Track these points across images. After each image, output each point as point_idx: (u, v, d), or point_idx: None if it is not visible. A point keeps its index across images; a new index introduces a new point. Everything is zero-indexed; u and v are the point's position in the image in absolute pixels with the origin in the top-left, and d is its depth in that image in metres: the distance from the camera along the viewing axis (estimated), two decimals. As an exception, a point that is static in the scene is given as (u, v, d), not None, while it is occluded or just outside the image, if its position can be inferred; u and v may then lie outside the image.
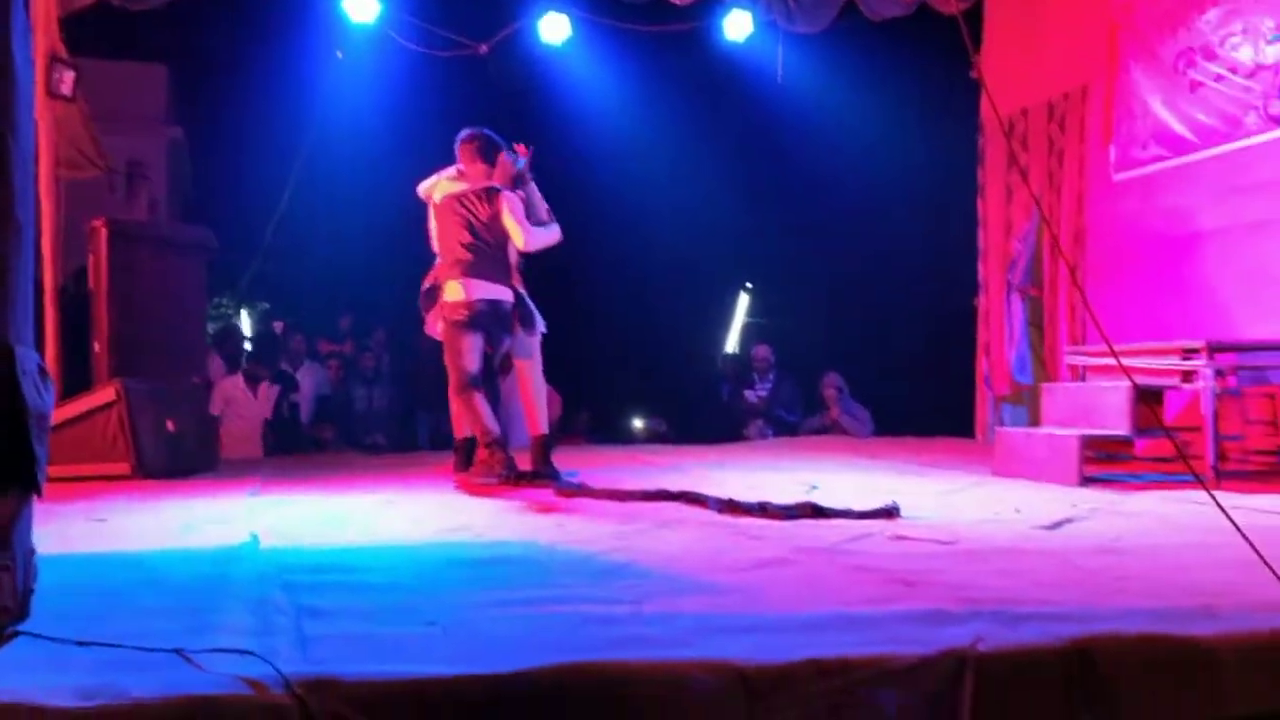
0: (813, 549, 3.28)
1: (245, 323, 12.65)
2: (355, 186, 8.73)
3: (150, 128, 12.34)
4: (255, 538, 3.53)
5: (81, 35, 7.19)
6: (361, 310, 10.28)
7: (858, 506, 4.13)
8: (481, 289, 5.50)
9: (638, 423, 10.77)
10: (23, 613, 2.24)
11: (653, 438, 9.92)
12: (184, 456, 6.18)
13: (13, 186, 2.18)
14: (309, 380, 9.40)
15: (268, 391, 8.79)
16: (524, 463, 5.55)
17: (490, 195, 5.61)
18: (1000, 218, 8.39)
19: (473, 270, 5.49)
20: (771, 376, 9.95)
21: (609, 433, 10.58)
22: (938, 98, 8.81)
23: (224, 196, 11.66)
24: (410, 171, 7.30)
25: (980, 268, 8.58)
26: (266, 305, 12.73)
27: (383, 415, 9.45)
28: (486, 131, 5.78)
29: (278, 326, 10.58)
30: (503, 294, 5.58)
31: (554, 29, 8.09)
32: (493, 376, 6.02)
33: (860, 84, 8.77)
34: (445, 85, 8.18)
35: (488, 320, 5.51)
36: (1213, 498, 2.82)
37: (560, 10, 8.01)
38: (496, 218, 5.57)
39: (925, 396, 9.09)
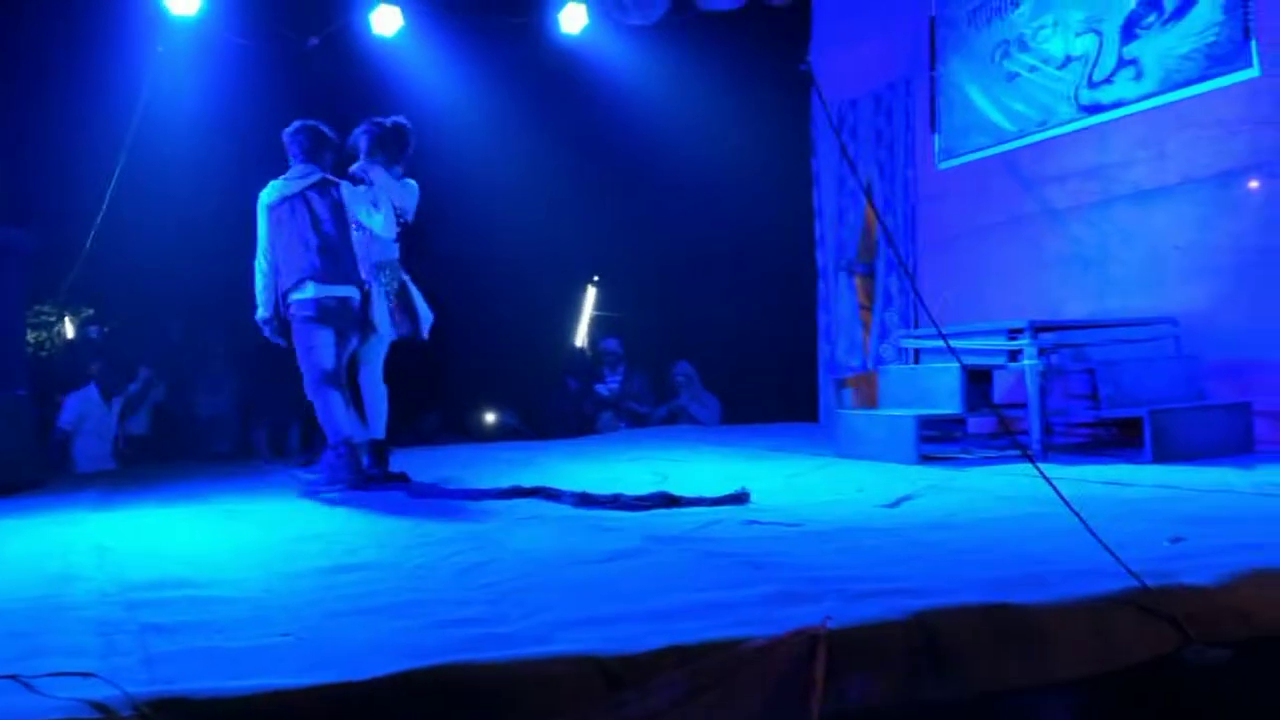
0: (666, 538, 3.33)
1: (68, 330, 12.04)
2: (180, 185, 8.38)
3: (-45, 126, 11.65)
4: (92, 555, 3.38)
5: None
6: (192, 315, 9.90)
7: (709, 494, 4.21)
8: (330, 287, 5.32)
9: (489, 417, 10.68)
10: None
11: (506, 433, 9.87)
12: (5, 471, 5.85)
13: None
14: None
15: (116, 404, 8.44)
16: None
17: (327, 186, 5.45)
18: (834, 206, 8.64)
19: (322, 269, 5.30)
20: (621, 369, 10.02)
21: (460, 431, 10.47)
22: (770, 90, 8.99)
23: (32, 197, 11.06)
24: (238, 168, 7.06)
25: (818, 255, 8.82)
26: (90, 311, 12.15)
27: (227, 422, 9.15)
28: (314, 123, 5.60)
29: (92, 331, 10.11)
30: (351, 292, 5.42)
31: (386, 21, 7.95)
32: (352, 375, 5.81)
33: (694, 77, 8.89)
34: (274, 80, 7.94)
35: (337, 317, 5.35)
36: (1039, 470, 2.98)
37: (392, 3, 7.87)
38: (340, 209, 5.42)
39: (769, 383, 9.30)
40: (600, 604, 2.43)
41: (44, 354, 10.31)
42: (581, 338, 13.21)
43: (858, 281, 8.35)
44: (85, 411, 8.23)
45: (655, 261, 10.15)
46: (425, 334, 5.75)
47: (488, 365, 10.55)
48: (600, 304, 13.08)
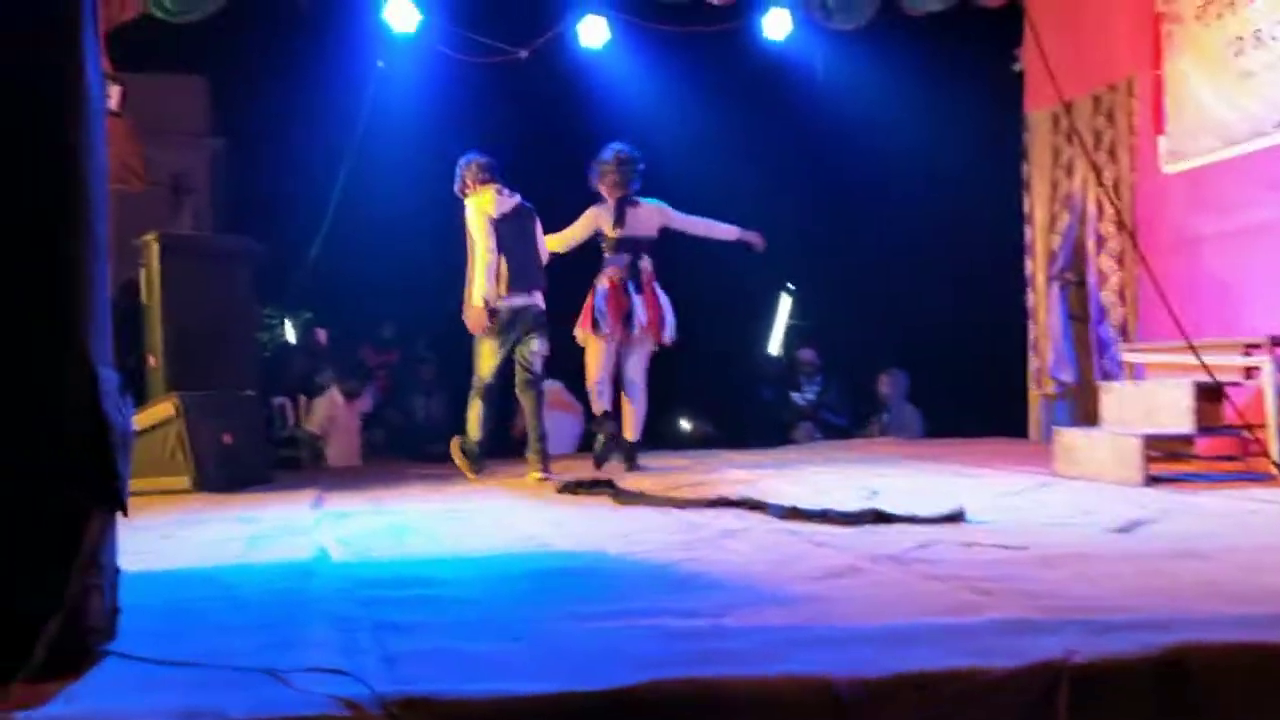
0: (882, 556, 3.24)
1: (290, 333, 12.72)
2: (398, 195, 8.76)
3: (193, 140, 12.49)
4: (324, 551, 3.55)
5: (124, 49, 7.24)
6: (404, 319, 10.31)
7: (921, 511, 4.09)
8: (512, 298, 6.23)
9: (685, 424, 10.72)
10: (112, 633, 2.26)
11: (701, 440, 9.86)
12: (241, 469, 6.22)
13: (90, 203, 2.19)
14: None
15: (362, 405, 8.90)
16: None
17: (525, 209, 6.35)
18: (1046, 213, 8.30)
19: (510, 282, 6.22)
20: (818, 379, 9.90)
21: (653, 437, 10.55)
22: (980, 93, 8.73)
23: (265, 207, 11.74)
24: (450, 178, 7.30)
25: (1028, 263, 8.49)
26: (310, 314, 12.81)
27: (440, 424, 9.48)
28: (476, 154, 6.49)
29: (321, 335, 10.63)
30: (531, 300, 6.29)
31: (593, 32, 8.08)
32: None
33: (901, 80, 8.70)
34: (487, 92, 8.20)
35: (515, 324, 6.25)
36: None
37: (599, 13, 8.00)
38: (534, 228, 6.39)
39: (973, 396, 9.00)
40: (824, 623, 2.38)
41: (266, 355, 10.94)
42: (776, 346, 13.12)
43: (1070, 292, 7.99)
44: (332, 414, 8.72)
45: (855, 270, 9.98)
46: (667, 340, 6.68)
47: (683, 372, 10.57)
48: (796, 313, 12.96)
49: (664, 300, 6.64)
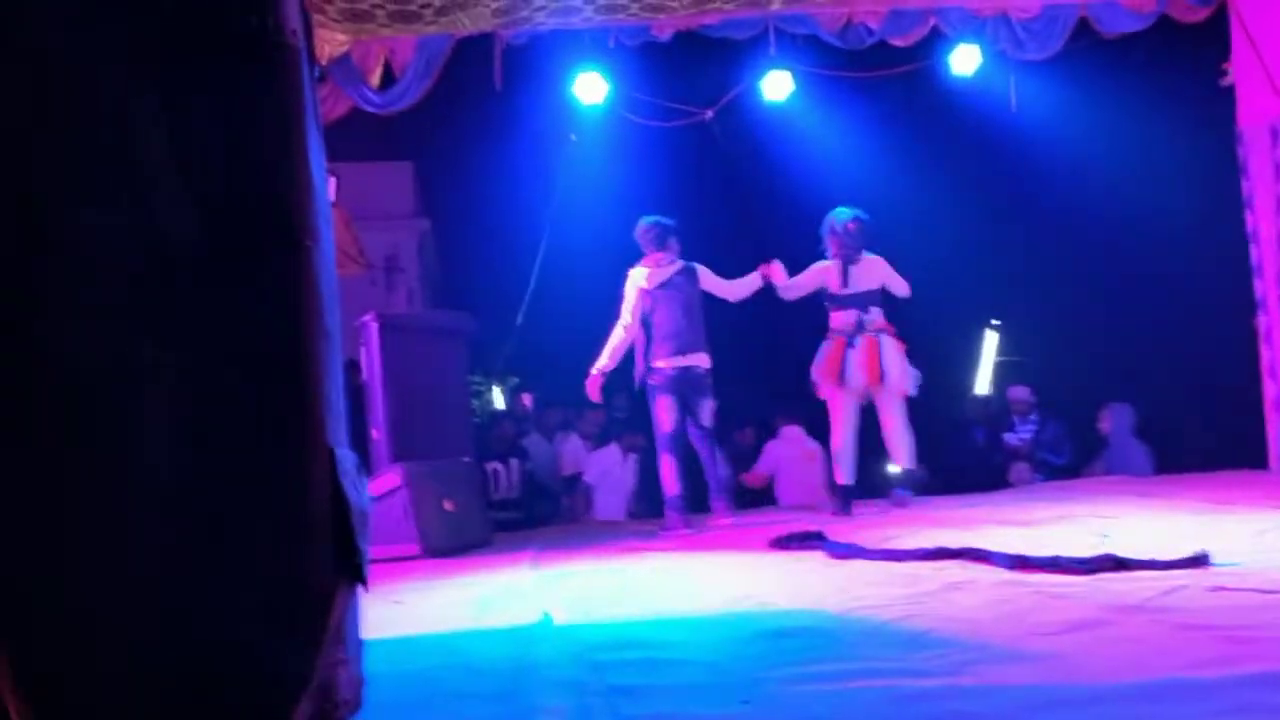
0: (1124, 607, 3.07)
1: (498, 398, 13.14)
2: (593, 260, 9.00)
3: (402, 222, 13.20)
4: (548, 616, 3.61)
5: (334, 142, 7.71)
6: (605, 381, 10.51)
7: (1160, 555, 3.85)
8: (678, 359, 6.61)
9: (894, 469, 10.47)
10: (358, 704, 2.35)
11: (914, 485, 9.58)
12: (463, 534, 6.43)
13: (321, 295, 2.32)
14: (564, 450, 9.69)
15: (634, 461, 9.14)
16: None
17: (688, 271, 6.71)
18: (1273, 230, 7.79)
19: (675, 343, 6.62)
20: (1034, 418, 9.50)
21: (861, 483, 10.34)
22: (1187, 111, 8.31)
23: (469, 280, 12.22)
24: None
25: (1257, 285, 7.96)
26: (516, 380, 13.22)
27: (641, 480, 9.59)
28: (658, 218, 6.86)
29: (526, 400, 10.93)
30: (696, 361, 6.64)
31: (777, 87, 8.11)
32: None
33: (1101, 104, 8.39)
34: (675, 155, 8.35)
35: (680, 384, 6.61)
36: None
37: (782, 68, 8.04)
38: (696, 291, 6.73)
39: (1206, 428, 8.46)
40: (1068, 681, 2.27)
41: (476, 420, 11.33)
42: (985, 386, 12.70)
43: (1310, 310, 7.45)
44: (607, 468, 8.98)
45: (1068, 302, 9.59)
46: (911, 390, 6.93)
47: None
48: (1004, 349, 12.52)
49: (887, 351, 6.82)
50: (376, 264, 11.47)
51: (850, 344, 6.77)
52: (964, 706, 2.12)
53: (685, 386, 6.65)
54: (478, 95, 8.25)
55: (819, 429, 7.59)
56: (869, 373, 6.73)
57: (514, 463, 9.27)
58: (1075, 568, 3.81)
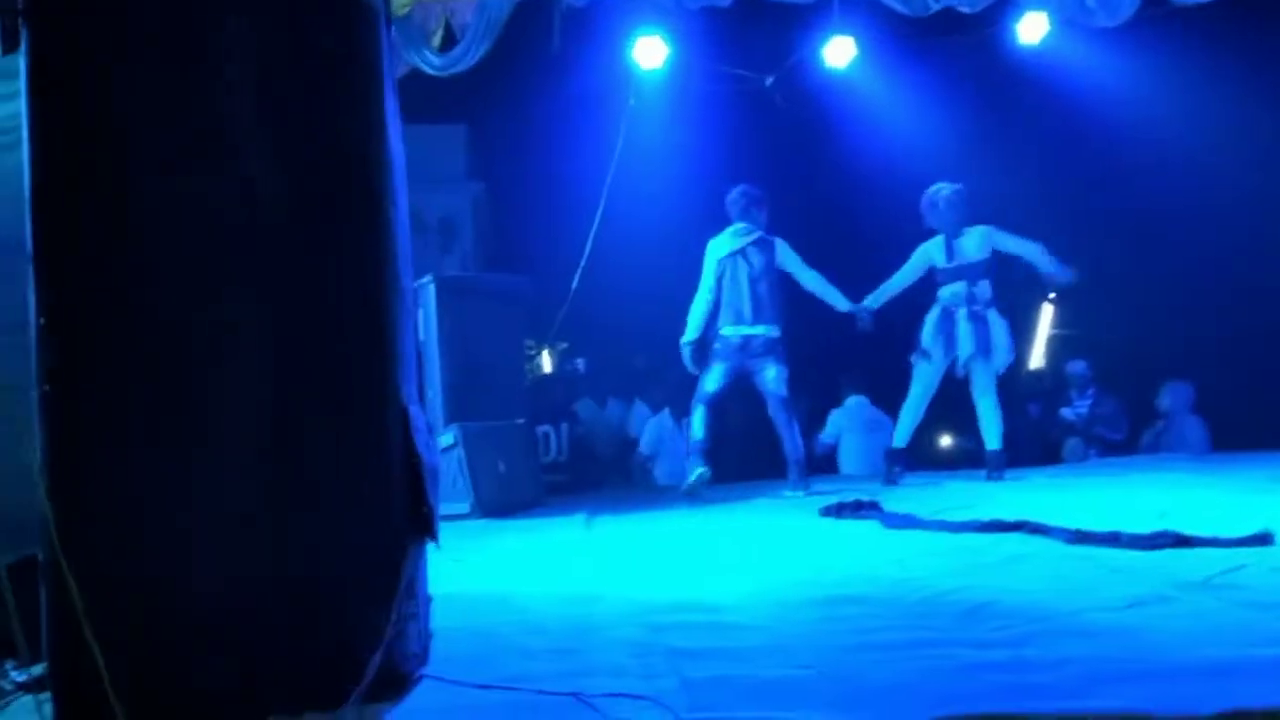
0: (1187, 584, 3.04)
1: (546, 362, 13.19)
2: (650, 227, 8.98)
3: (456, 185, 13.22)
4: (605, 574, 3.66)
5: (393, 104, 7.74)
6: (657, 348, 10.50)
7: (1223, 533, 3.81)
8: (742, 328, 6.66)
9: (945, 440, 10.40)
10: (425, 657, 2.41)
11: (963, 456, 9.53)
12: (515, 494, 6.50)
13: (397, 255, 2.35)
14: (614, 414, 9.73)
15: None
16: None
17: (764, 243, 6.68)
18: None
19: (741, 313, 6.66)
20: (1090, 392, 9.39)
21: (912, 454, 10.27)
22: (1264, 78, 8.11)
23: (523, 245, 12.24)
24: (703, 207, 7.43)
25: (1328, 261, 7.81)
26: (566, 345, 13.25)
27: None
28: (748, 187, 6.83)
29: (579, 365, 10.97)
30: (762, 331, 6.65)
31: (839, 53, 8.00)
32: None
33: (1172, 76, 8.19)
34: (736, 120, 8.29)
35: (738, 352, 6.68)
36: None
37: (845, 34, 7.93)
38: (772, 262, 6.67)
39: (1268, 406, 8.31)
40: (1133, 656, 2.26)
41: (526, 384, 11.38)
42: (1039, 359, 12.56)
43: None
44: (661, 435, 9.03)
45: (1129, 276, 9.44)
46: (1000, 367, 7.02)
47: (942, 389, 10.29)
48: (1060, 323, 12.37)
49: (994, 325, 6.91)
50: (432, 226, 11.53)
51: (958, 316, 6.84)
52: (1029, 679, 2.12)
53: (746, 355, 6.70)
54: (535, 58, 8.22)
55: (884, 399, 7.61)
56: (976, 346, 6.81)
57: (564, 426, 9.33)
58: (1136, 543, 3.78)
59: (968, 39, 8.01)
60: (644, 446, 9.03)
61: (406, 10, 7.44)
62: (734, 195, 6.83)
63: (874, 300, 7.00)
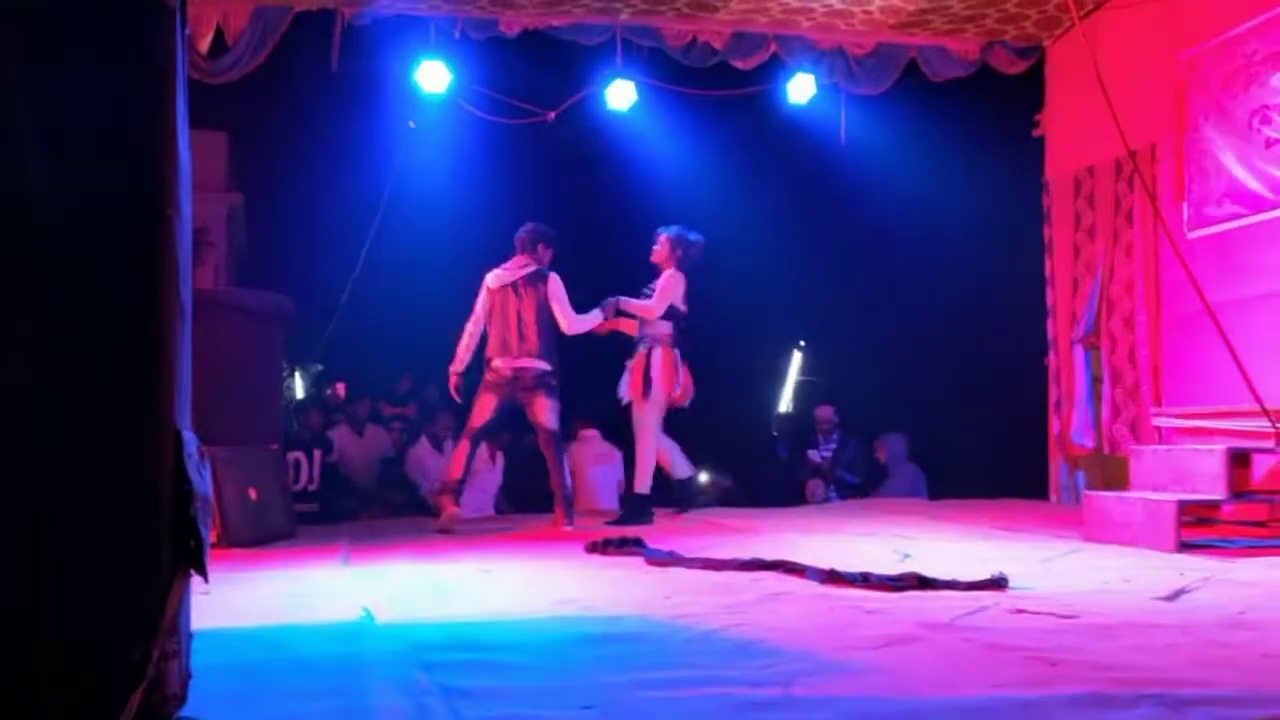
0: (935, 624, 3.23)
1: (298, 386, 12.73)
2: (422, 251, 8.84)
3: (212, 195, 12.60)
4: (369, 611, 3.53)
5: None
6: (422, 373, 10.32)
7: (961, 576, 4.07)
8: (510, 360, 6.75)
9: (704, 477, 10.70)
10: (184, 698, 2.24)
11: (719, 495, 9.82)
12: (267, 524, 6.20)
13: (178, 268, 2.21)
14: (373, 442, 9.47)
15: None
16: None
17: (536, 279, 6.78)
18: (1068, 276, 8.36)
19: (506, 345, 6.76)
20: (835, 437, 9.89)
21: (665, 492, 10.48)
22: (1001, 156, 8.85)
23: (282, 261, 11.79)
24: (478, 235, 7.41)
25: (1049, 325, 8.54)
26: (320, 367, 12.82)
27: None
28: (535, 225, 6.92)
29: (339, 388, 10.64)
30: (528, 364, 6.74)
31: (620, 96, 8.19)
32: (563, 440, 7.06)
33: (923, 143, 8.81)
34: (514, 153, 8.30)
35: (507, 385, 6.76)
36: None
37: (626, 78, 8.12)
38: (544, 298, 6.78)
39: (992, 457, 9.00)
40: (898, 696, 2.37)
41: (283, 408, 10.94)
42: (787, 403, 13.13)
43: (1093, 356, 8.03)
44: (423, 461, 8.76)
45: (875, 328, 10.04)
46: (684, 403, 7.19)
47: (697, 425, 10.59)
48: (808, 369, 12.99)
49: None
50: (184, 235, 10.94)
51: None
52: (803, 717, 2.19)
53: (516, 388, 6.73)
54: (311, 72, 7.98)
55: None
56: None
57: (316, 453, 9.00)
58: (884, 584, 3.99)
59: (742, 94, 8.35)
60: (412, 472, 8.88)
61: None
62: (523, 230, 6.88)
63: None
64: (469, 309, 6.92)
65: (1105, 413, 7.80)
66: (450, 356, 6.94)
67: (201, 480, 2.25)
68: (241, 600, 3.93)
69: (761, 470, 10.49)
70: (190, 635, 2.32)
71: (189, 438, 2.22)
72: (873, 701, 2.29)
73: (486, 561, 5.01)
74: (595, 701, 2.33)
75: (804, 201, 9.47)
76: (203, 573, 2.23)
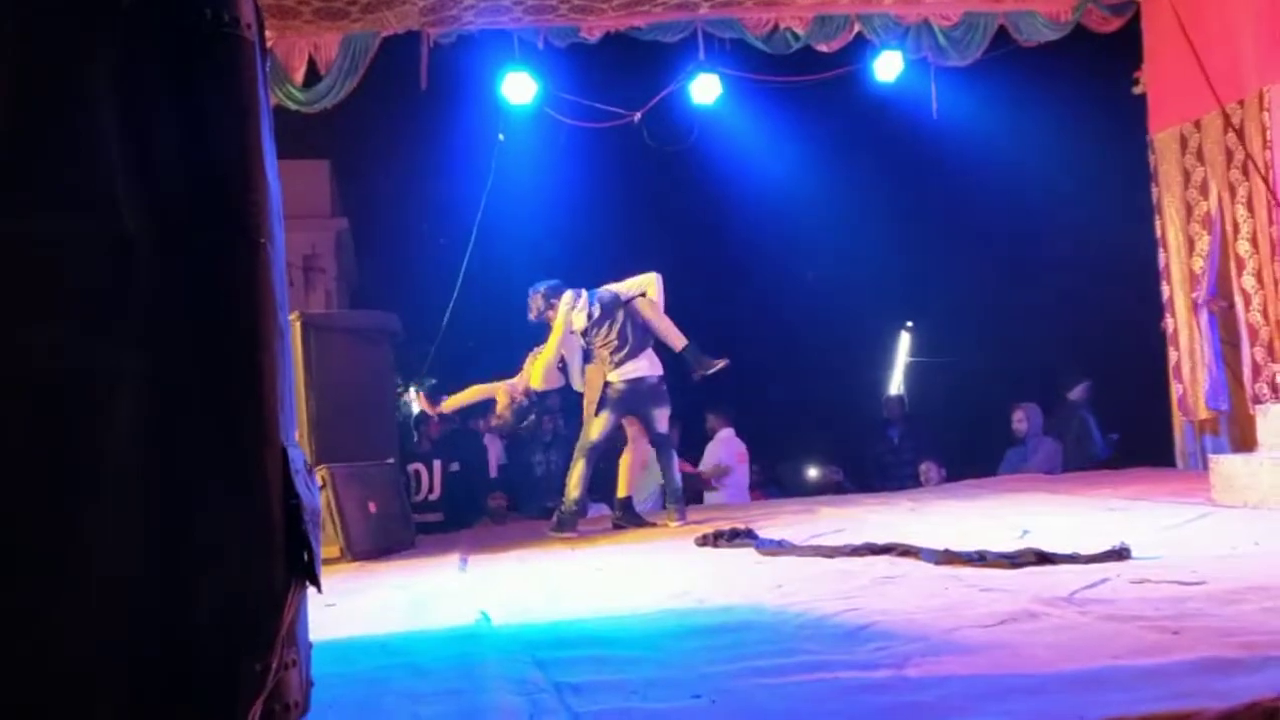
0: (1052, 600, 3.16)
1: (414, 400, 13.01)
2: (520, 262, 8.97)
3: (319, 221, 12.99)
4: (485, 614, 3.61)
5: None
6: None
7: (1082, 550, 3.98)
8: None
9: (813, 472, 10.62)
10: (307, 705, 2.33)
11: (830, 488, 9.75)
12: (387, 535, 6.37)
13: (275, 293, 2.29)
14: (493, 450, 9.65)
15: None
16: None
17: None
18: (1181, 236, 8.07)
19: None
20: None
21: (778, 487, 10.42)
22: (1102, 118, 8.60)
23: (389, 282, 12.09)
24: (572, 241, 7.48)
25: (1164, 288, 8.25)
26: (434, 381, 13.09)
27: (560, 479, 9.58)
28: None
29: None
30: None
31: (705, 90, 8.18)
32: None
33: (1019, 111, 8.63)
34: (603, 156, 8.37)
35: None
36: None
37: (711, 71, 8.11)
38: None
39: (1117, 426, 8.74)
40: (1009, 672, 2.34)
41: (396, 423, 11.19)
42: (898, 385, 12.96)
43: (1219, 317, 7.73)
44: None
45: (980, 304, 9.84)
46: None
47: (804, 416, 10.54)
48: (919, 349, 12.80)
49: None
50: (294, 263, 11.32)
51: None
52: (915, 698, 2.17)
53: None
54: (402, 93, 8.17)
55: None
56: None
57: (437, 464, 9.20)
58: (1001, 561, 3.92)
59: (827, 77, 8.27)
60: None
61: (269, 44, 7.31)
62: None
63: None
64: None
65: (1245, 372, 7.49)
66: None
67: (310, 494, 2.33)
68: (363, 610, 4.05)
69: (873, 457, 10.37)
70: (309, 645, 2.40)
71: (295, 454, 2.29)
72: (985, 679, 2.26)
73: (598, 560, 5.06)
74: (705, 691, 2.35)
75: (900, 180, 9.34)
76: (316, 583, 2.30)
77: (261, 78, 2.24)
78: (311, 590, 2.42)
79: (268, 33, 7.20)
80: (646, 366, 6.63)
